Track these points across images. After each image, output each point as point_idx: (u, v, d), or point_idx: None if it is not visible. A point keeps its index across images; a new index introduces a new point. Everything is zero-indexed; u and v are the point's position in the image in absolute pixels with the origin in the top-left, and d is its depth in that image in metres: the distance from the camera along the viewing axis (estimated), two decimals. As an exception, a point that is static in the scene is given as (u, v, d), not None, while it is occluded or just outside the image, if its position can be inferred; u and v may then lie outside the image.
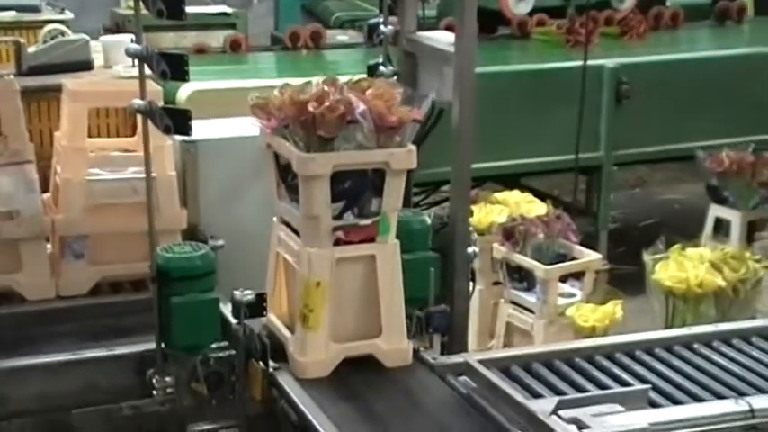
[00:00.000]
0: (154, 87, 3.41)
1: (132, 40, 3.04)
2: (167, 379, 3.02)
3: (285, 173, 2.80)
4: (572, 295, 4.38)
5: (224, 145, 3.76)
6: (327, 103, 2.58)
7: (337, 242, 2.69)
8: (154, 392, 3.04)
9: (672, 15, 7.89)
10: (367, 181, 2.70)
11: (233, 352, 2.99)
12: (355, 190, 2.70)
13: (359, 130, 2.61)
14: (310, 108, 2.59)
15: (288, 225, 2.85)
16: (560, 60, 6.33)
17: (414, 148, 2.75)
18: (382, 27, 3.48)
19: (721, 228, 5.88)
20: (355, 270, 2.74)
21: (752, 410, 2.77)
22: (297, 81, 5.62)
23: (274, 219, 2.94)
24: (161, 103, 3.16)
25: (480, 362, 2.88)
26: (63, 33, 5.36)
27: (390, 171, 2.69)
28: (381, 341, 2.78)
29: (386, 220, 2.75)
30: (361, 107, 2.59)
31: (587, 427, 2.51)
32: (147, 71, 3.04)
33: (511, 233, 4.51)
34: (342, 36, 6.75)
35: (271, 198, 3.39)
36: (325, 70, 5.85)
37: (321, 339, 2.69)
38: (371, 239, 2.74)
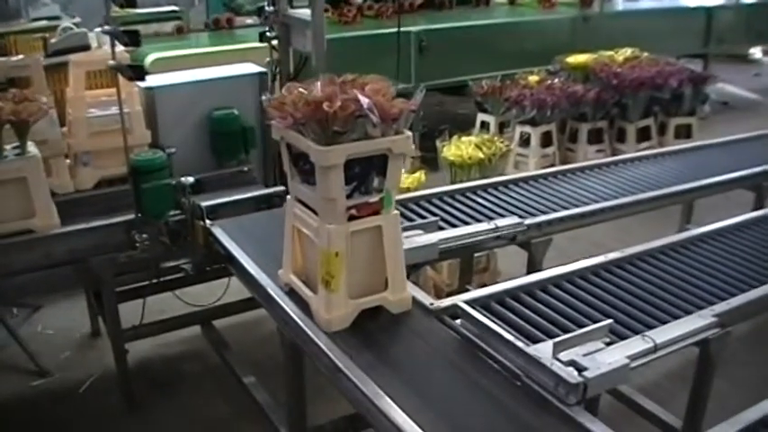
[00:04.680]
0: (123, 55, 3.28)
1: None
2: (144, 236, 2.94)
3: (297, 160, 2.17)
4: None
5: (171, 89, 3.56)
6: (339, 102, 1.96)
7: (350, 218, 2.10)
8: (137, 245, 2.94)
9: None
10: (372, 164, 2.08)
11: (184, 216, 2.90)
12: (363, 172, 2.09)
13: (367, 122, 2.00)
14: (325, 107, 1.96)
15: (301, 202, 2.23)
16: (387, 28, 6.14)
17: (410, 134, 2.11)
18: (268, 8, 3.33)
19: (485, 126, 5.94)
20: (365, 239, 2.14)
21: (497, 227, 2.83)
22: (217, 49, 5.37)
23: (288, 197, 2.29)
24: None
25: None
26: (71, 29, 5.07)
27: (392, 155, 2.08)
28: (388, 293, 2.22)
29: (389, 196, 2.14)
30: (368, 102, 1.99)
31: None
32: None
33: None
34: (249, 20, 6.38)
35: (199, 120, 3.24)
36: (235, 41, 5.65)
37: (341, 298, 2.14)
38: (377, 212, 2.13)
